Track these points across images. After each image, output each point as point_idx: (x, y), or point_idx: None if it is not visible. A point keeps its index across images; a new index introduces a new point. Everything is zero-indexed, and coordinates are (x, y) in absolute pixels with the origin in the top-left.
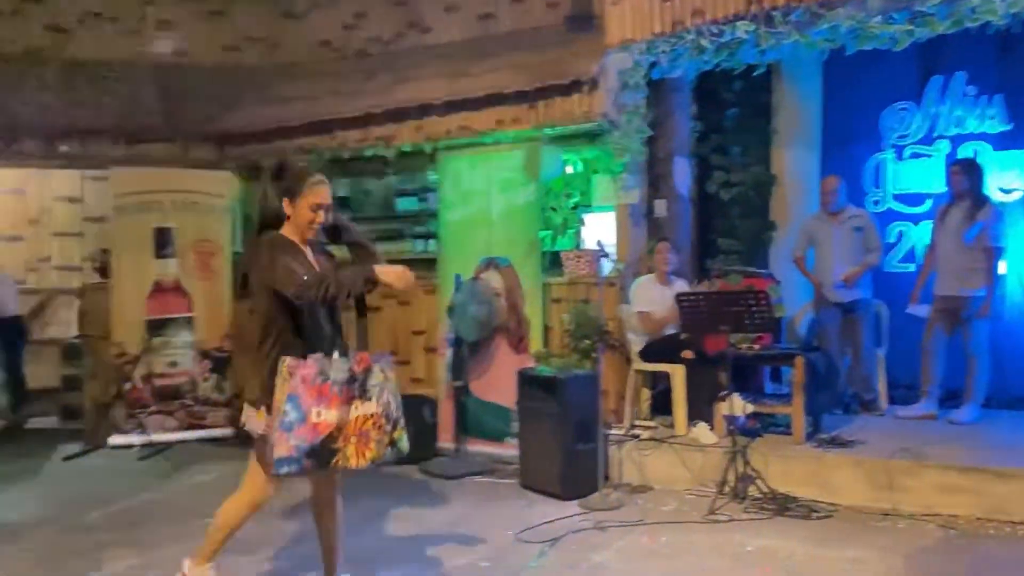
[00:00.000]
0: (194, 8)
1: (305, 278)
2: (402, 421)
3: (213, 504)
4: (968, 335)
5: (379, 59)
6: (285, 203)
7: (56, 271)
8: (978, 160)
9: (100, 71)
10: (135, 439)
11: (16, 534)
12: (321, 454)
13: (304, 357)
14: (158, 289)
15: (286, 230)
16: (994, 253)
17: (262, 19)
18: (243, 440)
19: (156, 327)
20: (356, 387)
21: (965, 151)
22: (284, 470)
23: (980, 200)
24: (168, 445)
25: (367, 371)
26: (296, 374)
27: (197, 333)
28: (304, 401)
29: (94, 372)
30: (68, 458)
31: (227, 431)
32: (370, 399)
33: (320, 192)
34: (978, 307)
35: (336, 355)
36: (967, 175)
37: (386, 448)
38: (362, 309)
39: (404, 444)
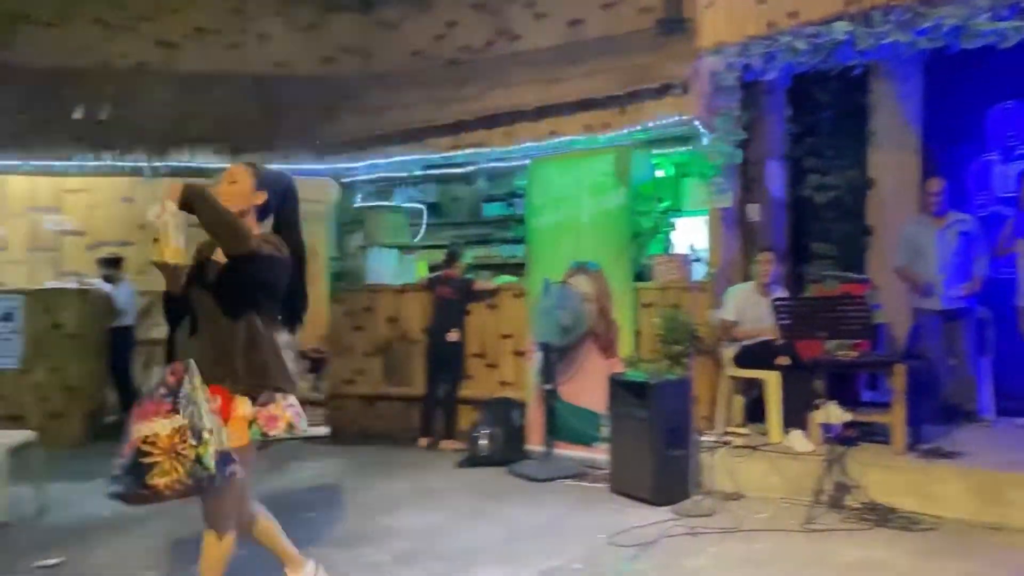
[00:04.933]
0: (291, 21)
1: None
2: (207, 435)
3: (313, 500)
4: None
5: (470, 67)
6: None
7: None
8: None
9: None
10: None
11: (134, 524)
12: (136, 470)
13: None
14: None
15: None
16: None
17: (356, 30)
18: (339, 439)
19: None
20: (171, 400)
21: None
22: (110, 489)
23: None
24: (269, 443)
25: (179, 383)
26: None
27: (295, 335)
28: (134, 418)
29: None
30: None
31: (324, 430)
32: (179, 412)
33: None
34: None
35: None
36: None
37: (192, 465)
38: (172, 319)
39: (208, 461)
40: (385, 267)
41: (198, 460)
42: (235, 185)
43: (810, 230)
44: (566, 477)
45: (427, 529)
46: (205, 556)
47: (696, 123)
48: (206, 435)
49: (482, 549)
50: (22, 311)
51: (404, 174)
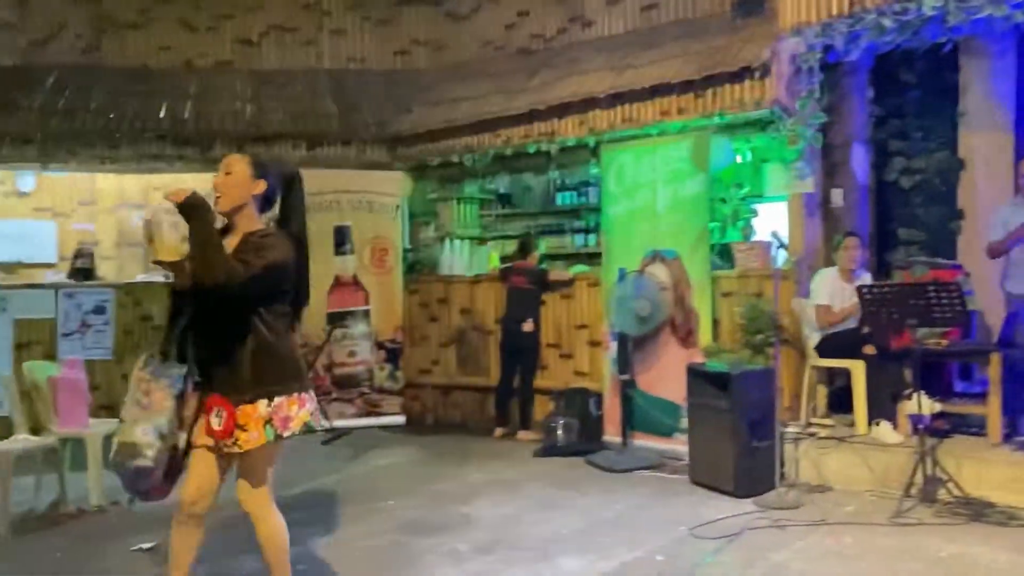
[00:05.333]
0: (365, 16)
1: None
2: (116, 427)
3: (391, 488)
4: None
5: (542, 55)
6: None
7: None
8: None
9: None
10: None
11: (221, 509)
12: None
13: None
14: (338, 284)
15: None
16: None
17: (428, 23)
18: (415, 428)
19: (336, 319)
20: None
21: None
22: None
23: None
24: (348, 431)
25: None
26: None
27: (373, 325)
28: None
29: None
30: None
31: (400, 419)
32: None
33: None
34: None
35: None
36: None
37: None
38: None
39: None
40: (458, 258)
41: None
42: (231, 176)
43: (895, 215)
44: (644, 468)
45: (505, 518)
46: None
47: (775, 107)
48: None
49: (561, 539)
50: (113, 304)
51: (476, 165)
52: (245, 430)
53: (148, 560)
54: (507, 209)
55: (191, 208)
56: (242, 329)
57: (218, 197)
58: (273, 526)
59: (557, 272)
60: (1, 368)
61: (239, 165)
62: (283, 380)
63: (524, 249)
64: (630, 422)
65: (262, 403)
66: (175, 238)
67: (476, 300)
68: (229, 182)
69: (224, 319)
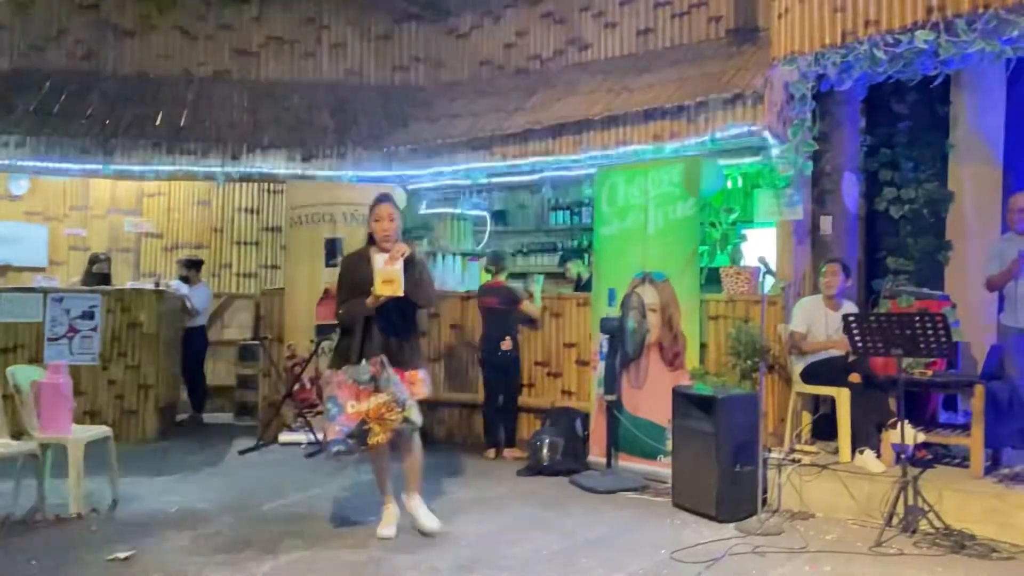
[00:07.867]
0: (364, 31)
1: (340, 308)
2: (410, 402)
3: (372, 504)
4: None
5: (539, 76)
6: (369, 224)
7: (235, 277)
8: None
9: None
10: (302, 437)
11: (201, 519)
12: (359, 434)
13: (343, 366)
14: (328, 296)
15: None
16: None
17: (428, 40)
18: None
19: (325, 332)
20: (373, 384)
21: None
22: (334, 449)
23: None
24: None
25: (379, 371)
26: (332, 381)
27: None
28: (341, 399)
29: (267, 372)
30: (243, 452)
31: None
32: (381, 391)
33: (378, 211)
34: None
35: (363, 362)
36: None
37: (401, 423)
38: (368, 328)
39: (415, 417)
40: (450, 274)
41: (407, 420)
42: (393, 222)
43: (885, 244)
44: (628, 490)
45: (486, 537)
46: (413, 459)
47: (767, 134)
48: (409, 402)
49: (541, 559)
50: (102, 310)
51: (470, 182)
52: (415, 386)
53: (124, 570)
54: (501, 226)
55: (415, 260)
56: (412, 325)
57: (388, 236)
58: (420, 449)
59: (528, 305)
60: None
61: (396, 212)
62: (423, 356)
63: (494, 264)
64: (615, 443)
65: (420, 371)
66: (402, 280)
67: (467, 316)
68: (396, 227)
69: (404, 320)
